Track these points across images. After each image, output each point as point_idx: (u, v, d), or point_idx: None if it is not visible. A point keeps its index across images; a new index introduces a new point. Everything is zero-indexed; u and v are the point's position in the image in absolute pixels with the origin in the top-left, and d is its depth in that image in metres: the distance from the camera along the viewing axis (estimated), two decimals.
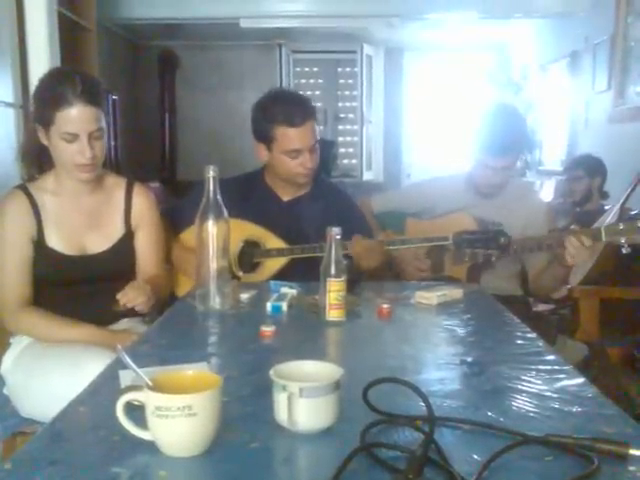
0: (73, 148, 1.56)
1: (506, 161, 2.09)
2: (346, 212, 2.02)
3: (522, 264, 2.16)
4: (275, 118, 1.88)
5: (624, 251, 1.73)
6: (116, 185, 1.75)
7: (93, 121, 1.57)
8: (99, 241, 1.69)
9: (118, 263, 1.70)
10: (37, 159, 1.68)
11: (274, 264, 1.91)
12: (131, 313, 1.65)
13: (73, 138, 1.56)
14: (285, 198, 2.03)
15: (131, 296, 1.57)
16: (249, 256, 1.92)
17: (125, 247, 1.72)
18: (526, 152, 2.24)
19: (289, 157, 1.90)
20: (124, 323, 1.73)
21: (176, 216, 1.95)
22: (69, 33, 3.55)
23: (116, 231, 1.72)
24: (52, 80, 1.61)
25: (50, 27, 3.00)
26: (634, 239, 1.71)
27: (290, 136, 1.88)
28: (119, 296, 1.56)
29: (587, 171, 3.52)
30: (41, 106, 1.60)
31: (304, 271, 1.73)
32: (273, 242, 1.91)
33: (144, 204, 1.76)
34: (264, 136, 1.93)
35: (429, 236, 1.94)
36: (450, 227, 2.04)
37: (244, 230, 1.88)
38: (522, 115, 2.31)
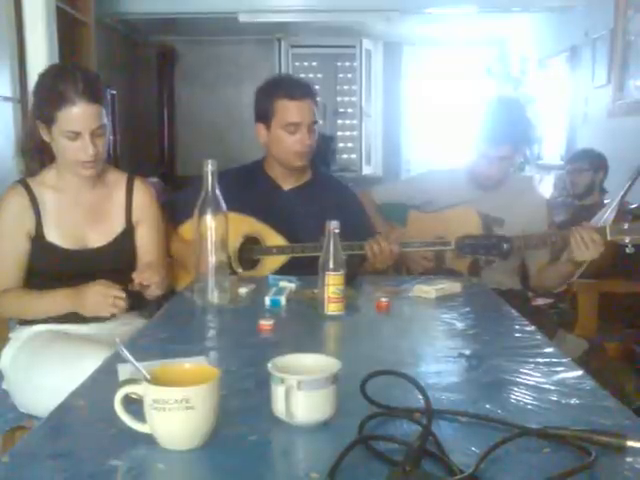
0: (76, 146, 1.56)
1: (501, 151, 2.07)
2: (346, 203, 2.03)
3: (522, 259, 2.17)
4: (276, 93, 1.92)
5: (627, 251, 1.73)
6: (117, 180, 1.75)
7: (95, 119, 1.57)
8: (99, 236, 1.69)
9: (118, 258, 1.70)
10: (38, 154, 1.67)
11: (274, 262, 1.90)
12: (139, 303, 1.67)
13: (76, 136, 1.55)
14: (286, 187, 2.03)
15: (146, 275, 1.58)
16: (249, 253, 1.92)
17: (125, 242, 1.73)
18: (525, 145, 2.21)
19: (287, 132, 1.91)
20: (123, 317, 1.73)
21: (174, 210, 1.95)
22: (67, 28, 3.54)
23: (116, 226, 1.72)
24: (52, 78, 1.60)
25: (48, 22, 2.99)
26: (638, 239, 1.71)
27: (289, 108, 1.90)
28: (134, 275, 1.57)
29: (591, 164, 3.51)
30: (42, 104, 1.59)
31: (304, 268, 1.72)
32: (273, 238, 1.91)
33: (145, 199, 1.76)
34: (264, 113, 1.95)
35: (431, 240, 1.94)
36: (453, 221, 2.04)
37: (244, 225, 1.88)
38: (524, 108, 2.30)
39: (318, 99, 1.99)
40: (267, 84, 1.99)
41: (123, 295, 1.51)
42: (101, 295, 1.51)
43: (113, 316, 1.58)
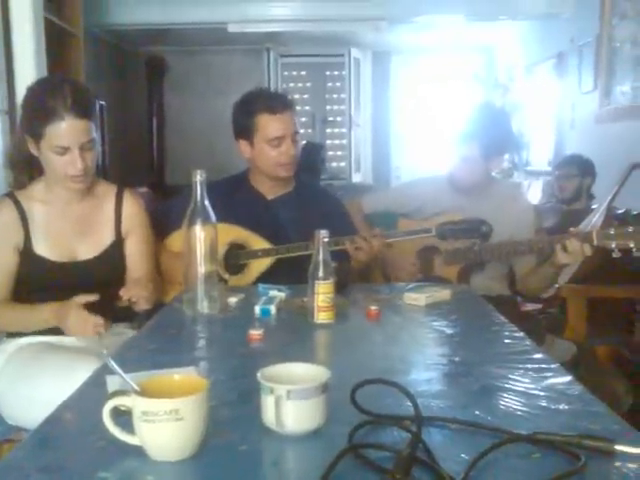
0: (64, 160, 1.56)
1: (467, 150, 2.10)
2: (330, 210, 2.04)
3: (510, 264, 2.18)
4: (256, 109, 1.94)
5: (614, 255, 1.74)
6: (106, 192, 1.75)
7: (84, 133, 1.56)
8: (89, 248, 1.69)
9: (108, 270, 1.70)
10: (27, 167, 1.67)
11: (260, 265, 1.91)
12: (128, 314, 1.66)
13: (64, 151, 1.55)
14: (270, 197, 2.04)
15: (134, 292, 1.57)
16: (235, 258, 1.92)
17: (115, 254, 1.72)
18: (501, 150, 2.22)
19: (271, 146, 1.93)
20: (112, 328, 1.72)
21: (162, 220, 1.95)
22: (56, 39, 3.53)
23: (106, 238, 1.72)
24: (41, 92, 1.59)
25: (37, 33, 2.98)
26: (624, 244, 1.73)
27: (271, 123, 1.92)
28: (122, 292, 1.56)
29: (579, 170, 3.55)
30: (30, 118, 1.58)
31: (290, 271, 1.73)
32: (258, 243, 1.92)
33: (134, 210, 1.76)
34: (246, 130, 1.96)
35: (412, 229, 1.95)
36: None
37: (229, 233, 1.88)
38: (500, 111, 2.33)
39: (297, 108, 2.01)
40: (244, 100, 2.00)
41: (101, 322, 1.51)
42: (82, 319, 1.51)
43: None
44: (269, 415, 0.85)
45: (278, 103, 1.94)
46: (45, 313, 1.59)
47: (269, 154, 1.94)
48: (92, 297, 1.54)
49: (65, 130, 1.53)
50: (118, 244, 1.73)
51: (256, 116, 1.93)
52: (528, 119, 5.68)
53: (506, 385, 1.05)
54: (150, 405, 0.79)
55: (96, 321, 1.50)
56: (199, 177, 1.52)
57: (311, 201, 2.05)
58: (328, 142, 7.00)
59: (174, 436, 0.79)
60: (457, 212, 2.06)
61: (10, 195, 1.65)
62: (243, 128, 1.97)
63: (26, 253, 1.63)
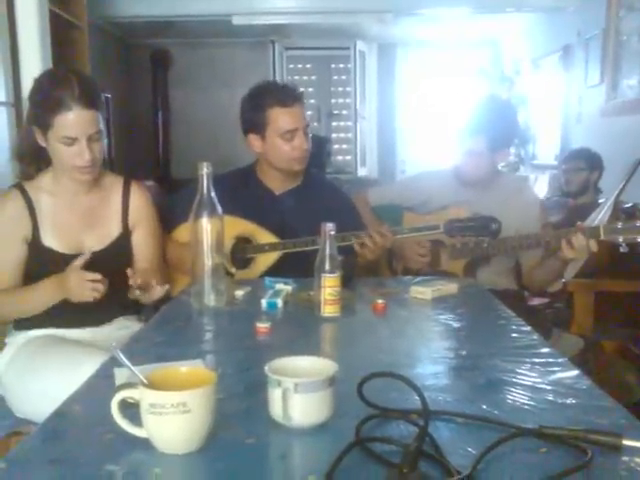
0: (72, 151, 1.56)
1: (475, 143, 2.09)
2: (338, 205, 2.03)
3: (516, 259, 2.17)
4: (267, 102, 1.91)
5: (622, 250, 1.74)
6: (113, 184, 1.75)
7: (91, 124, 1.56)
8: (96, 240, 1.69)
9: (115, 262, 1.70)
10: (35, 159, 1.67)
11: (267, 259, 1.91)
12: (135, 307, 1.65)
13: (72, 142, 1.55)
14: (277, 191, 2.03)
15: (142, 279, 1.56)
16: (242, 252, 1.92)
17: (122, 246, 1.72)
18: (507, 143, 2.21)
19: (284, 140, 1.91)
20: (120, 321, 1.73)
21: (168, 214, 1.95)
22: (61, 31, 3.52)
23: (113, 230, 1.72)
24: (48, 83, 1.59)
25: (42, 25, 2.98)
26: (632, 238, 1.72)
27: (284, 116, 1.90)
28: (131, 281, 1.55)
29: (587, 164, 3.53)
30: (38, 109, 1.59)
31: (297, 265, 1.73)
32: (265, 237, 1.91)
33: (141, 202, 1.76)
34: (257, 124, 1.94)
35: (420, 225, 1.94)
36: None
37: (236, 227, 1.88)
38: (506, 104, 2.31)
39: (309, 105, 1.99)
40: (254, 94, 1.97)
41: (99, 277, 1.50)
42: (80, 280, 1.51)
43: (97, 300, 1.53)
44: (276, 408, 0.85)
45: (289, 96, 1.92)
46: (47, 287, 1.58)
47: (282, 148, 1.92)
48: (87, 255, 1.55)
49: (73, 121, 1.54)
50: (125, 236, 1.73)
51: (267, 110, 1.91)
52: (534, 113, 5.65)
53: (513, 379, 1.05)
54: (158, 397, 0.79)
55: (94, 278, 1.49)
56: (205, 169, 1.52)
57: (319, 195, 2.03)
58: (333, 135, 6.98)
59: (181, 429, 0.79)
60: (463, 206, 2.05)
61: (18, 186, 1.66)
62: (254, 122, 1.95)
63: (34, 244, 1.63)
